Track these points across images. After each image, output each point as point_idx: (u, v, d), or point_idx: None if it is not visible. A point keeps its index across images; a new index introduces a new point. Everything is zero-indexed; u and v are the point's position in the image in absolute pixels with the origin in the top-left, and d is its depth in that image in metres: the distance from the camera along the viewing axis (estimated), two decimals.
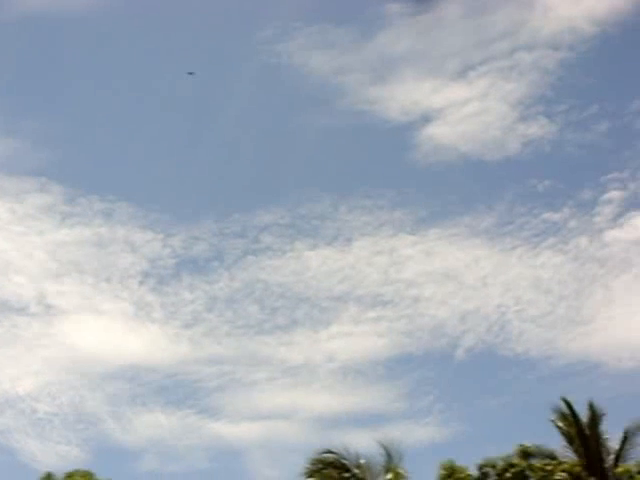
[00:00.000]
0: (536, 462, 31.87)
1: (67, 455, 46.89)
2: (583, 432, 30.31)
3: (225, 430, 50.39)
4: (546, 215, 55.36)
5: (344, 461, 27.49)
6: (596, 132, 56.51)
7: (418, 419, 51.74)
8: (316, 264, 55.89)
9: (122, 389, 53.60)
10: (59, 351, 51.51)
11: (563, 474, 29.94)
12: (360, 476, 27.35)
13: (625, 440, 30.63)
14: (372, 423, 48.83)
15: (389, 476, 26.62)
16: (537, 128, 56.35)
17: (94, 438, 51.16)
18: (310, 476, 27.36)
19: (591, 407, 30.97)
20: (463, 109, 57.20)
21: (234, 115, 58.66)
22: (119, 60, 58.07)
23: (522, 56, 56.57)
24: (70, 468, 34.87)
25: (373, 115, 57.56)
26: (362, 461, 27.47)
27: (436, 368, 55.28)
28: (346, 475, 27.37)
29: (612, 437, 30.94)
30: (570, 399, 31.04)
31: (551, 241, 54.81)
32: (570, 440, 30.88)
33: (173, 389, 53.59)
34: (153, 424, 53.41)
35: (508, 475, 32.19)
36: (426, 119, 57.12)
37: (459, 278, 55.91)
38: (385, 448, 28.43)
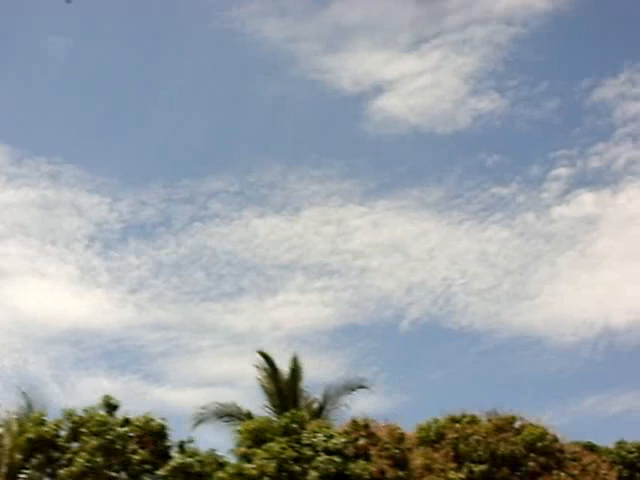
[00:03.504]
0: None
1: None
2: (281, 389, 29.34)
3: (169, 396, 50.00)
4: (494, 190, 54.75)
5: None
6: (546, 109, 55.65)
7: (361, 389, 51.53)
8: (264, 232, 55.16)
9: (66, 353, 52.37)
10: (3, 313, 50.23)
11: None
12: None
13: (325, 399, 29.58)
14: (316, 392, 49.17)
15: None
16: (488, 102, 55.25)
17: (36, 402, 50.70)
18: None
19: (294, 362, 29.97)
20: (415, 81, 56.44)
21: (185, 80, 58.22)
22: (71, 20, 57.41)
23: (475, 30, 55.52)
24: None
25: (325, 85, 56.69)
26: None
27: (381, 339, 54.24)
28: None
29: None
30: (269, 353, 30.33)
31: (498, 216, 54.34)
32: (271, 397, 29.64)
33: (117, 354, 52.68)
34: (96, 388, 52.60)
35: None
36: (378, 90, 56.06)
37: (406, 250, 55.45)
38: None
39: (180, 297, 53.97)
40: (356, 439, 22.60)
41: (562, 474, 24.77)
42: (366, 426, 22.93)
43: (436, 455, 25.06)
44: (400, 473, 22.09)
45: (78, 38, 58.01)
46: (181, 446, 23.03)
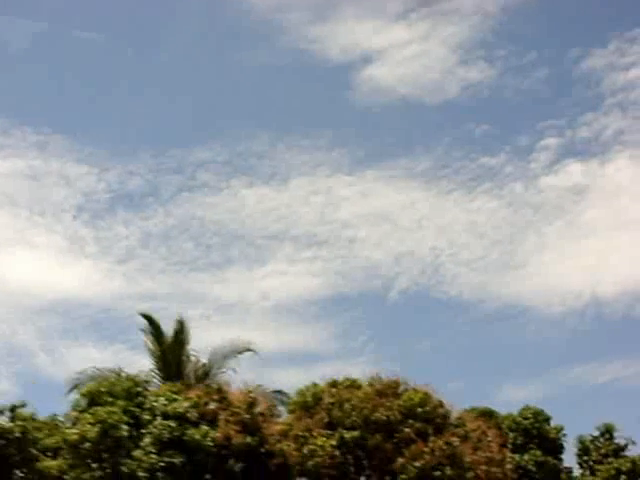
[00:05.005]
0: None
1: None
2: (165, 351, 28.69)
3: None
4: (483, 160, 54.52)
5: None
6: (535, 78, 55.43)
7: (350, 359, 51.06)
8: (252, 202, 55.18)
9: (54, 323, 52.93)
10: None
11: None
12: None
13: (211, 363, 29.14)
14: (305, 362, 48.49)
15: None
16: (476, 72, 55.05)
17: (25, 372, 49.94)
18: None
19: (180, 324, 29.30)
20: (403, 51, 55.93)
21: (173, 49, 57.76)
22: None
23: (464, 0, 55.60)
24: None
25: (313, 54, 56.29)
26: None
27: (370, 309, 54.85)
28: None
29: None
30: (154, 315, 29.59)
31: (487, 186, 54.21)
32: (156, 361, 28.97)
33: (106, 324, 52.66)
34: (85, 358, 53.84)
35: None
36: (366, 60, 55.68)
37: (394, 220, 55.20)
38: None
39: (168, 267, 54.08)
40: (206, 404, 21.78)
41: (439, 441, 23.81)
42: (219, 390, 22.10)
43: (308, 421, 24.31)
44: (249, 439, 21.20)
45: (69, 4, 58.11)
46: (12, 410, 22.34)
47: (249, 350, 28.79)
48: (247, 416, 21.67)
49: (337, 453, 23.47)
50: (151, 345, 28.64)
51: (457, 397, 49.75)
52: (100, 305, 51.68)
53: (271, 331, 51.88)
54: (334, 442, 23.53)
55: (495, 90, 55.74)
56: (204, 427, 20.88)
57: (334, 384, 25.36)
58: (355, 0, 56.91)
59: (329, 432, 23.86)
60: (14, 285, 50.36)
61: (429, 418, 24.58)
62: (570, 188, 52.87)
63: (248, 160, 55.65)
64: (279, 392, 27.60)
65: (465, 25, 55.25)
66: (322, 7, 56.24)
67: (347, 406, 24.24)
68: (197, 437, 20.53)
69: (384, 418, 24.10)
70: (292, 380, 44.90)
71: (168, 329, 28.66)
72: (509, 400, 48.32)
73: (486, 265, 53.59)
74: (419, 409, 24.49)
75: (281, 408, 26.04)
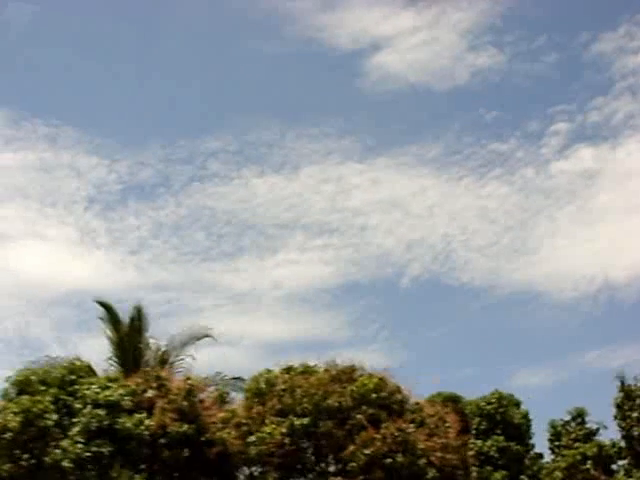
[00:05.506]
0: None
1: None
2: (122, 339, 28.00)
3: None
4: (493, 146, 54.44)
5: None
6: (544, 63, 55.10)
7: (363, 346, 50.77)
8: (263, 191, 55.18)
9: (68, 315, 52.77)
10: (4, 277, 50.98)
11: None
12: None
13: (171, 350, 28.43)
14: (318, 350, 48.10)
15: None
16: (486, 58, 54.73)
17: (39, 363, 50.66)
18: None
19: (137, 311, 28.62)
20: (412, 38, 55.80)
21: (181, 39, 58.04)
22: None
23: None
24: None
25: (322, 42, 56.15)
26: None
27: (382, 296, 54.98)
28: None
29: None
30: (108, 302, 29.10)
31: (498, 171, 54.03)
32: (115, 348, 28.21)
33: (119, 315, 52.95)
34: (100, 350, 53.31)
35: None
36: (375, 47, 55.71)
37: (406, 207, 55.26)
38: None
39: (180, 257, 54.43)
40: (144, 391, 21.37)
41: (392, 427, 23.22)
42: (158, 378, 21.67)
43: (260, 408, 23.85)
44: (185, 427, 20.77)
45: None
46: None
47: (207, 336, 28.37)
48: (185, 403, 21.20)
49: (287, 440, 23.06)
50: (109, 333, 28.28)
51: (471, 383, 50.06)
52: (113, 296, 50.70)
53: (283, 320, 52.76)
54: (284, 429, 23.10)
55: (505, 75, 55.60)
56: (138, 415, 20.46)
57: (289, 370, 24.90)
58: None
59: (280, 419, 23.45)
60: (27, 277, 50.98)
61: (384, 404, 24.02)
62: (581, 173, 52.78)
63: (258, 149, 55.87)
64: (238, 379, 27.13)
65: (473, 11, 55.06)
66: None
67: (299, 392, 23.75)
68: (129, 425, 20.13)
69: (336, 404, 23.59)
70: None
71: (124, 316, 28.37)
72: (523, 385, 47.83)
73: (498, 251, 53.64)
74: (373, 395, 23.93)
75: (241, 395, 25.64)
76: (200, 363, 28.16)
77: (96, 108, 57.36)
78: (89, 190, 54.02)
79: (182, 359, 27.95)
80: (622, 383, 26.44)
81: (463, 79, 55.04)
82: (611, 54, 53.02)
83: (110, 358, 27.51)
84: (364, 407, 23.71)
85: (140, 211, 54.67)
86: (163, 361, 27.42)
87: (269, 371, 24.83)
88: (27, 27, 55.91)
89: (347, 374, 24.70)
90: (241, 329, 48.47)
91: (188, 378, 21.75)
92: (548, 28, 54.99)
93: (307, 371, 24.79)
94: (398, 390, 24.68)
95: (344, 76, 57.98)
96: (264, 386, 24.38)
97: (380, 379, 24.34)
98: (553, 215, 53.16)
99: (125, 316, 28.57)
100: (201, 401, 21.53)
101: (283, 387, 24.02)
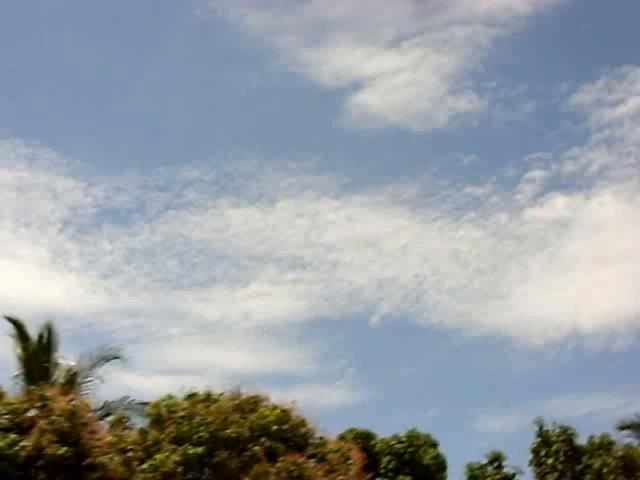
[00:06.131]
0: None
1: None
2: (30, 356, 27.45)
3: (137, 382, 49.43)
4: (469, 189, 54.99)
5: None
6: (523, 111, 56.02)
7: (330, 382, 51.97)
8: (238, 222, 55.57)
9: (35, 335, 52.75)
10: None
11: None
12: None
13: (78, 371, 27.89)
14: (284, 384, 47.28)
15: None
16: (466, 103, 55.59)
17: (6, 383, 50.21)
18: None
19: (47, 329, 28.27)
20: (394, 79, 56.64)
21: (165, 67, 58.26)
22: (54, 8, 57.12)
23: (456, 30, 55.58)
24: None
25: (304, 78, 57.01)
26: None
27: (351, 333, 55.10)
28: None
29: None
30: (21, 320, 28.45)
31: (472, 215, 54.52)
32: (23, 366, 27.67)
33: (88, 338, 52.24)
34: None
35: None
36: (357, 86, 56.63)
37: (379, 246, 55.47)
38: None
39: (152, 284, 54.40)
40: (26, 410, 20.76)
41: (289, 460, 22.56)
42: (42, 397, 21.07)
43: (156, 434, 23.23)
44: (64, 449, 20.13)
45: (61, 19, 58.39)
46: None
47: (117, 358, 27.81)
48: (67, 425, 20.56)
49: (179, 470, 22.41)
50: (18, 350, 27.72)
51: (434, 424, 49.61)
52: (82, 319, 51.26)
53: (251, 351, 52.88)
54: (177, 458, 22.45)
55: (484, 121, 56.18)
56: (12, 435, 19.82)
57: (192, 396, 24.29)
58: (348, 26, 57.22)
59: (176, 447, 22.81)
60: None
61: (285, 437, 23.42)
62: (554, 221, 53.24)
63: (235, 180, 56.03)
64: (145, 404, 26.49)
65: (456, 55, 55.74)
66: (315, 31, 56.96)
67: (197, 420, 23.14)
68: (1, 445, 19.48)
69: (234, 435, 22.96)
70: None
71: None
72: (486, 429, 47.68)
73: (468, 294, 53.88)
74: (274, 427, 23.32)
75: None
76: (121, 387, 27.80)
77: (76, 131, 57.50)
78: (64, 212, 54.22)
79: (91, 380, 27.40)
80: (540, 428, 25.78)
81: (442, 122, 55.79)
82: (589, 105, 53.92)
83: (17, 376, 26.95)
84: (263, 439, 23.11)
85: (114, 236, 54.82)
86: (71, 381, 26.83)
87: (171, 397, 24.25)
88: (12, 46, 56.35)
89: (251, 404, 24.13)
90: (208, 359, 49.22)
91: (72, 399, 21.12)
92: (529, 76, 56.09)
93: (209, 399, 24.20)
94: (302, 423, 24.07)
95: (324, 112, 58.67)
96: (164, 412, 23.80)
97: (283, 411, 23.75)
98: (525, 261, 53.67)
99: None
100: (85, 424, 20.85)
101: (182, 414, 23.43)
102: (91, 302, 51.48)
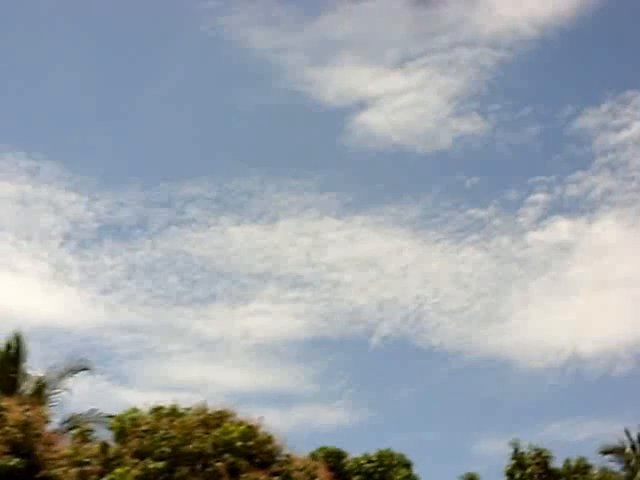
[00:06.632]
0: None
1: None
2: None
3: (135, 398, 49.39)
4: (471, 211, 54.53)
5: None
6: (527, 134, 55.67)
7: (328, 402, 51.83)
8: (239, 240, 55.40)
9: (34, 350, 52.50)
10: None
11: None
12: None
13: (45, 379, 27.44)
14: (282, 403, 49.02)
15: None
16: (470, 124, 55.32)
17: None
18: None
19: (16, 339, 27.60)
20: (399, 99, 56.37)
21: (170, 84, 58.17)
22: (60, 21, 57.52)
23: (462, 52, 55.29)
24: None
25: (309, 97, 56.75)
26: None
27: (350, 353, 54.77)
28: None
29: None
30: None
31: (474, 237, 54.16)
32: None
33: (86, 354, 52.28)
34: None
35: None
36: (361, 106, 56.15)
37: (380, 266, 55.19)
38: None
39: (152, 300, 54.14)
40: None
41: (251, 477, 22.12)
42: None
43: (118, 448, 22.86)
44: (16, 461, 19.78)
45: (66, 35, 58.63)
46: None
47: (85, 369, 27.46)
48: (20, 435, 20.22)
49: None
50: None
51: (431, 447, 49.17)
52: (81, 334, 51.15)
53: (250, 370, 52.89)
54: (137, 472, 22.04)
55: (487, 143, 56.09)
56: None
57: (157, 410, 23.90)
58: (354, 46, 57.27)
59: (137, 461, 22.41)
60: None
61: (250, 454, 22.96)
62: (556, 244, 52.98)
63: (238, 198, 55.96)
64: (112, 417, 26.09)
65: (461, 77, 55.59)
66: (321, 51, 56.93)
67: (159, 435, 22.73)
68: None
69: (196, 450, 22.53)
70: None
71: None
72: (484, 453, 46.99)
73: (469, 316, 53.53)
74: (238, 443, 22.86)
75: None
76: (85, 398, 27.44)
77: (79, 145, 57.72)
78: (66, 226, 54.08)
79: (56, 393, 27.03)
80: (515, 451, 25.25)
81: (446, 143, 55.57)
82: (593, 130, 53.66)
83: None
84: (226, 455, 22.66)
85: (115, 251, 54.60)
86: (39, 392, 26.50)
87: (136, 410, 23.87)
88: (16, 60, 56.58)
89: (216, 419, 23.69)
90: (207, 376, 48.79)
91: (27, 410, 20.78)
92: (533, 100, 55.94)
93: (175, 413, 23.79)
94: (269, 440, 23.61)
95: (328, 132, 58.51)
96: (128, 425, 23.42)
97: (249, 427, 23.31)
98: (526, 284, 53.36)
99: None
100: (39, 435, 20.50)
101: (145, 428, 23.04)
102: (91, 317, 51.38)
